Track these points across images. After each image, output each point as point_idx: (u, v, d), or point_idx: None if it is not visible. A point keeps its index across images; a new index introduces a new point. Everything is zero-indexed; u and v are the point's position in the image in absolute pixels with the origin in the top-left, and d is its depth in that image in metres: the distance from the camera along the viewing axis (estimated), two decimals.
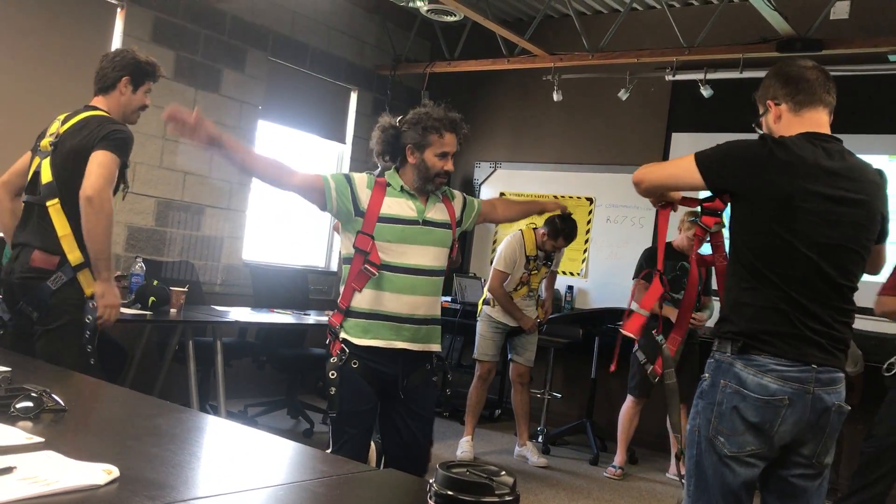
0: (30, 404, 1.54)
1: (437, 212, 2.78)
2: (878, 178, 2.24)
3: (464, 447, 5.14)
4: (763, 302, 2.14)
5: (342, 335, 2.68)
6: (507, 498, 0.87)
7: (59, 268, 2.79)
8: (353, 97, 7.05)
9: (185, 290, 4.42)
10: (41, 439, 1.37)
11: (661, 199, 2.43)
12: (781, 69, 2.29)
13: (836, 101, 2.26)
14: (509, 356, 5.28)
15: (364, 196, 2.69)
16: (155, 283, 4.32)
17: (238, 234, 6.13)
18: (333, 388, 2.66)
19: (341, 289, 2.74)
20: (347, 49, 6.88)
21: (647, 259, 5.01)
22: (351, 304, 2.68)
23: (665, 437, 5.42)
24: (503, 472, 0.90)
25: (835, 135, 2.22)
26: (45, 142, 2.93)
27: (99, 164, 2.77)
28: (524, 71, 6.72)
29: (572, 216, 4.85)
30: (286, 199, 5.89)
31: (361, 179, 2.73)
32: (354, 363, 2.66)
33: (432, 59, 7.18)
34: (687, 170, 2.22)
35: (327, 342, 2.75)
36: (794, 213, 2.11)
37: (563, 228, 4.97)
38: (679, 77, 5.93)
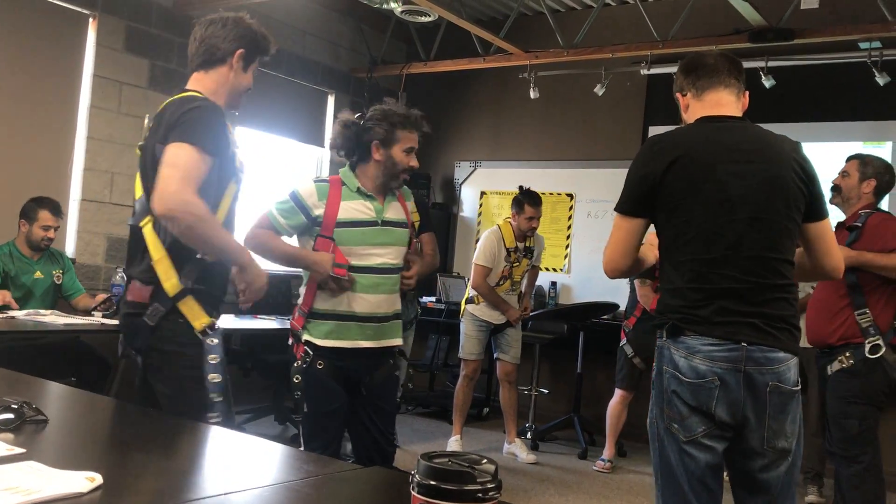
0: (10, 416, 1.52)
1: (394, 211, 2.81)
2: (794, 150, 2.17)
3: (453, 446, 5.14)
4: (683, 287, 2.13)
5: (305, 337, 2.69)
6: (489, 485, 0.88)
7: (154, 299, 2.22)
8: (331, 100, 7.04)
9: None
10: (22, 450, 1.36)
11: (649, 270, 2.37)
12: (684, 61, 2.32)
13: (743, 83, 2.25)
14: (495, 355, 5.29)
15: (313, 203, 2.70)
16: None
17: None
18: (299, 392, 2.66)
19: (301, 290, 2.75)
20: (323, 53, 6.87)
21: None
22: (313, 305, 2.71)
23: None
24: (485, 461, 0.91)
25: (734, 115, 2.20)
26: (139, 145, 2.36)
27: (166, 163, 2.15)
28: (500, 69, 6.73)
29: (528, 188, 5.14)
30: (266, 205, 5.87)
31: (308, 191, 2.73)
32: (320, 364, 2.67)
33: (408, 60, 7.18)
34: (624, 225, 2.20)
35: (289, 343, 2.76)
36: (699, 196, 2.11)
37: (524, 199, 5.06)
38: (654, 71, 5.95)
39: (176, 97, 2.29)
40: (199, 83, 2.35)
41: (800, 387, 2.14)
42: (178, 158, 2.13)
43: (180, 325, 2.22)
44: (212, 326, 2.26)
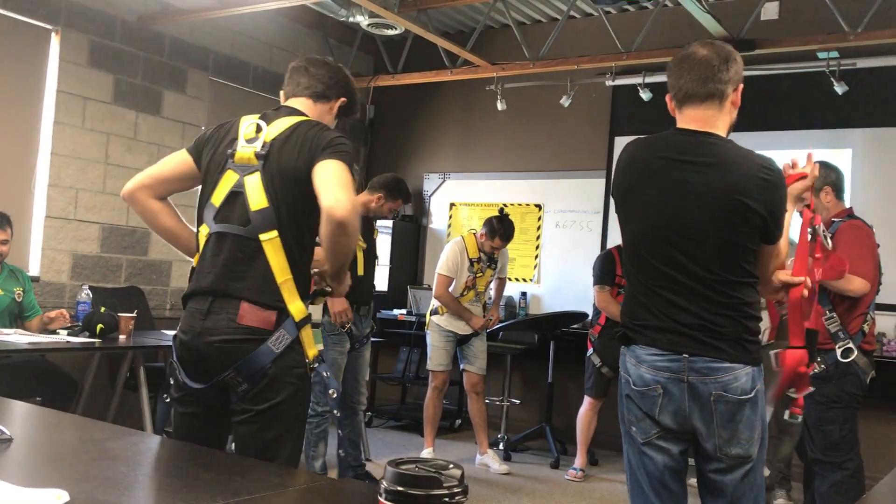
0: None
1: None
2: (761, 170, 2.09)
3: None
4: (633, 298, 2.22)
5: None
6: (456, 490, 0.89)
7: (280, 325, 2.05)
8: None
9: (134, 315, 4.34)
10: None
11: None
12: (673, 59, 2.27)
13: (732, 81, 2.19)
14: (461, 366, 5.29)
15: None
16: (102, 310, 4.24)
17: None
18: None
19: None
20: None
21: (604, 265, 5.08)
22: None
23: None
24: (451, 465, 0.92)
25: (704, 129, 2.15)
26: (248, 153, 2.16)
27: (339, 178, 2.06)
28: (467, 82, 6.77)
29: (509, 216, 5.14)
30: None
31: None
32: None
33: (376, 73, 7.18)
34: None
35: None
36: (639, 210, 2.19)
37: (498, 229, 5.07)
38: (619, 82, 6.03)
39: (303, 119, 2.23)
40: (309, 110, 2.32)
41: (752, 395, 2.08)
42: (344, 172, 2.08)
43: (298, 354, 2.09)
44: (319, 358, 2.14)
